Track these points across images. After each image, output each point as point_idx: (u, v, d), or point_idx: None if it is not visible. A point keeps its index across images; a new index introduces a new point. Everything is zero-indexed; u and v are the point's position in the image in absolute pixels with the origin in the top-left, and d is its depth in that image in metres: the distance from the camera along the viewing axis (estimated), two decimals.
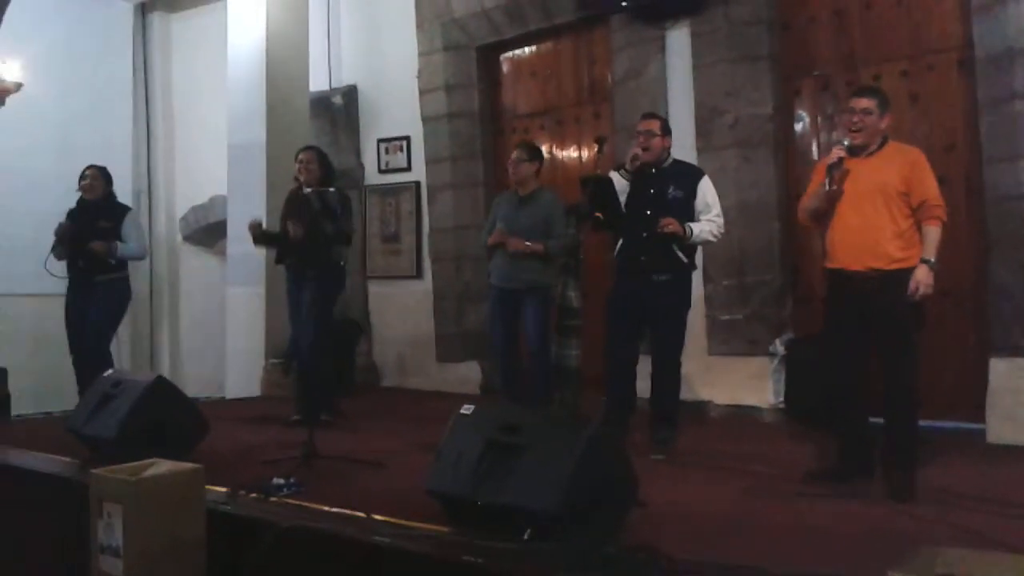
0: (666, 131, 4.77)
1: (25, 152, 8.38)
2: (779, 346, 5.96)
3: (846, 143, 3.96)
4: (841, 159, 3.94)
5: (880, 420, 3.95)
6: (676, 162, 4.86)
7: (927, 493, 3.72)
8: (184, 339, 10.00)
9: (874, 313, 3.86)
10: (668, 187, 4.66)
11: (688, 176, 4.75)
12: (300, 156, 5.75)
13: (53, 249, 6.18)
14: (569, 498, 2.85)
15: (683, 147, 6.21)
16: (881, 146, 3.98)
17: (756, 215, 6.02)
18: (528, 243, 5.18)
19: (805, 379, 5.58)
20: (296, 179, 5.64)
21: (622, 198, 4.66)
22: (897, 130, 5.66)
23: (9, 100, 6.85)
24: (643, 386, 4.86)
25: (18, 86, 6.79)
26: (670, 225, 4.50)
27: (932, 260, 3.80)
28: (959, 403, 5.37)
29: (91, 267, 6.12)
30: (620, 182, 4.67)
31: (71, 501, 3.59)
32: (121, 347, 9.46)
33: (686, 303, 4.81)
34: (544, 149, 7.29)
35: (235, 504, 3.53)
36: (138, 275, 9.90)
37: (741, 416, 6.03)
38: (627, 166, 4.67)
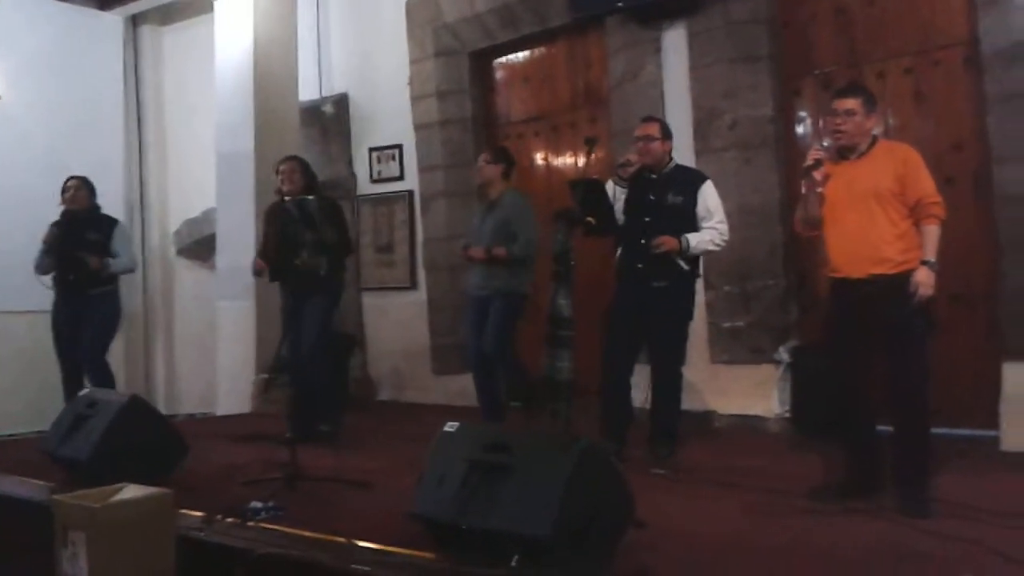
0: (666, 135, 4.63)
1: (10, 165, 8.20)
2: (784, 354, 5.77)
3: (825, 144, 3.79)
4: (818, 161, 3.77)
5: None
6: (678, 167, 4.71)
7: (940, 505, 3.52)
8: (179, 355, 9.82)
9: (879, 320, 3.68)
10: (668, 193, 4.52)
11: (689, 182, 4.60)
12: (281, 167, 5.58)
13: (38, 260, 6.02)
14: (559, 521, 2.66)
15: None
16: (871, 147, 3.79)
17: (758, 219, 5.84)
18: (485, 250, 5.22)
19: (812, 388, 5.39)
20: (278, 190, 5.47)
21: (619, 205, 4.52)
22: (902, 128, 5.55)
23: None
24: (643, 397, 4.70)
25: None
26: (664, 245, 4.39)
27: (932, 260, 3.62)
28: (972, 410, 5.17)
29: (82, 281, 5.98)
30: (615, 189, 4.54)
31: (41, 528, 3.40)
32: (115, 363, 9.33)
33: (686, 311, 4.64)
34: (539, 156, 7.18)
35: (210, 530, 3.35)
36: (132, 289, 9.75)
37: (746, 426, 5.84)
38: (619, 172, 4.53)
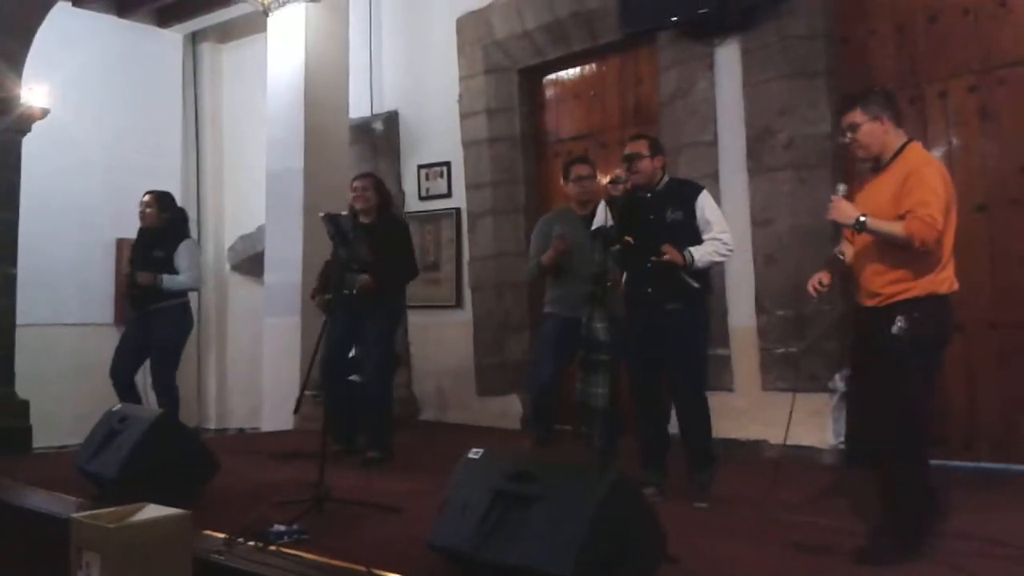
0: (656, 151, 4.40)
1: (64, 180, 8.35)
2: (839, 382, 5.53)
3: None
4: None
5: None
6: (672, 181, 4.50)
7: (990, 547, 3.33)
8: (231, 369, 9.89)
9: (873, 350, 3.45)
10: (666, 210, 4.30)
11: (685, 195, 4.38)
12: (355, 184, 5.56)
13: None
14: (583, 558, 2.51)
15: (734, 169, 5.94)
16: (895, 157, 3.47)
17: (813, 240, 5.60)
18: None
19: (867, 418, 5.14)
20: (350, 207, 5.43)
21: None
22: (966, 149, 5.31)
23: (45, 127, 6.80)
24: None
25: (44, 112, 6.74)
26: (667, 254, 4.14)
27: (865, 221, 3.28)
28: None
29: (145, 297, 5.98)
30: (607, 210, 4.31)
31: (63, 545, 3.36)
32: None
33: (702, 332, 4.42)
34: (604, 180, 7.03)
35: (230, 553, 3.27)
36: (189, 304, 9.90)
37: (798, 458, 5.58)
38: (611, 190, 4.28)
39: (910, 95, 5.48)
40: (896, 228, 3.27)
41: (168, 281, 5.96)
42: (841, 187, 3.46)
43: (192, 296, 9.58)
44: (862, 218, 3.29)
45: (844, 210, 3.36)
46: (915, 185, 3.31)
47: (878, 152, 3.49)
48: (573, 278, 4.89)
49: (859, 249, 3.51)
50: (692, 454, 4.35)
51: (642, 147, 4.36)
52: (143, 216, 6.09)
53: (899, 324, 3.33)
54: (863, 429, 3.65)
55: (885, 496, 3.41)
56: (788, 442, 5.60)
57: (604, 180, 5.00)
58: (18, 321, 6.74)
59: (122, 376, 6.00)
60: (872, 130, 3.47)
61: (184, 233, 6.27)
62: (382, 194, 5.57)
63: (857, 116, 3.48)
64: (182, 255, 6.06)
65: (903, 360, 3.34)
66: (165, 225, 6.14)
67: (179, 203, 9.50)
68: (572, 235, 4.95)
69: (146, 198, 6.14)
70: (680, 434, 4.40)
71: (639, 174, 4.30)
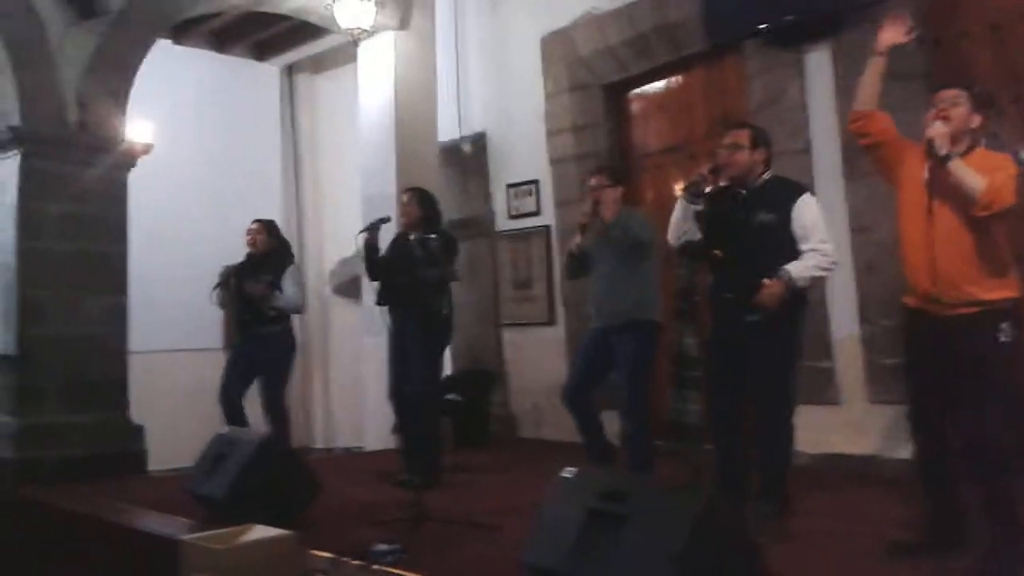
0: (759, 142, 3.99)
1: (169, 212, 8.72)
2: None
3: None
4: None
5: None
6: (773, 179, 4.07)
7: None
8: (335, 390, 10.11)
9: (961, 358, 3.30)
10: (758, 211, 3.91)
11: (783, 196, 3.94)
12: (403, 198, 5.72)
13: (215, 288, 6.32)
14: None
15: (830, 175, 5.81)
16: (969, 151, 3.40)
17: None
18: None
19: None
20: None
21: (689, 225, 4.06)
22: None
23: (151, 162, 7.14)
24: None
25: (148, 148, 7.07)
26: (768, 296, 3.78)
27: (953, 156, 3.24)
28: None
29: (254, 319, 6.20)
30: (687, 209, 4.05)
31: (174, 566, 3.51)
32: None
33: (788, 348, 3.98)
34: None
35: (335, 572, 3.38)
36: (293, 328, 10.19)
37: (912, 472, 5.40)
38: (691, 189, 4.01)
39: (1013, 94, 5.28)
40: (978, 179, 3.21)
41: (278, 298, 6.18)
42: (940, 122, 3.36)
43: (296, 320, 10.04)
44: (953, 152, 3.24)
45: (944, 136, 3.27)
46: (1003, 174, 3.28)
47: (953, 136, 3.38)
48: (591, 281, 5.00)
49: (934, 242, 3.37)
50: (760, 480, 3.99)
51: (742, 137, 3.99)
52: (254, 242, 6.35)
53: (1005, 330, 3.24)
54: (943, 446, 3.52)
55: (997, 512, 3.28)
56: (903, 456, 5.49)
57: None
58: (133, 348, 7.03)
59: (231, 400, 6.23)
60: (966, 116, 3.42)
61: (290, 259, 6.51)
62: (425, 208, 5.58)
63: (963, 98, 3.43)
64: (289, 278, 6.31)
65: (1009, 370, 3.25)
66: (271, 250, 6.38)
67: (282, 229, 9.97)
68: (595, 246, 4.92)
69: (255, 225, 6.42)
70: (756, 460, 4.05)
71: (734, 166, 3.96)
